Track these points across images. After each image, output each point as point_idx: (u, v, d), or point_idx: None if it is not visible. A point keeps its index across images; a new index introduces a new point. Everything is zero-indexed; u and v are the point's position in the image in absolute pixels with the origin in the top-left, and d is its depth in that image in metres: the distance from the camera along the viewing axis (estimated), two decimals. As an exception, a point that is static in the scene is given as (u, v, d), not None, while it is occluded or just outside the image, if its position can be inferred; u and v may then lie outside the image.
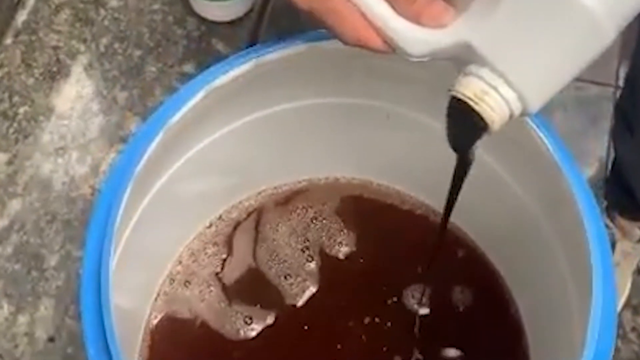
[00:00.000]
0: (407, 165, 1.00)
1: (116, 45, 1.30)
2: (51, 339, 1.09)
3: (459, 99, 0.63)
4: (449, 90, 0.65)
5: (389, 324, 0.95)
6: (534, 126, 0.77)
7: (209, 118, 0.86)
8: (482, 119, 0.62)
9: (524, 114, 0.63)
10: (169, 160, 0.87)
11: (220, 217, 1.01)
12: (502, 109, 0.62)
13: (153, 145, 0.75)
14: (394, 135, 0.96)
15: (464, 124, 0.65)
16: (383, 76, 0.88)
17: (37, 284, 1.12)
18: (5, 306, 1.10)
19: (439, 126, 0.91)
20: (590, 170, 1.44)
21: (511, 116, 0.63)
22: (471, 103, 0.62)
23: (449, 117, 0.67)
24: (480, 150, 0.85)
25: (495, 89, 0.61)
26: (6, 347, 1.08)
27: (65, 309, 1.10)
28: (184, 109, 0.77)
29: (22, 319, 1.10)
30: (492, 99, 0.62)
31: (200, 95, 0.77)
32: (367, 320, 0.95)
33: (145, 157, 0.74)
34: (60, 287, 1.11)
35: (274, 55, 0.79)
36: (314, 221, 1.02)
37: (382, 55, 0.68)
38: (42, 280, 1.12)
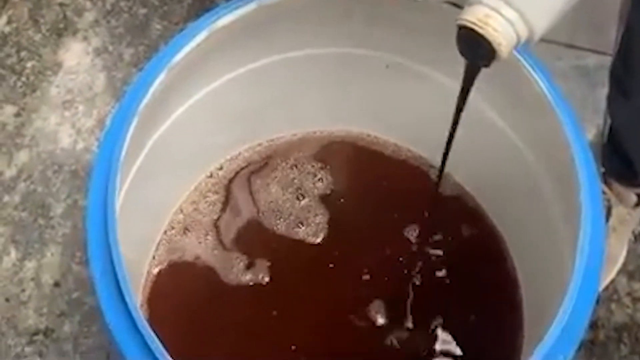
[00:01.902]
0: (404, 117, 1.02)
1: (122, 4, 1.32)
2: (57, 284, 1.11)
3: (466, 27, 0.67)
4: (456, 21, 0.68)
5: (399, 258, 0.98)
6: (529, 67, 0.80)
7: (212, 62, 0.87)
8: (489, 43, 0.66)
9: (531, 38, 0.67)
10: (173, 104, 0.89)
11: (221, 168, 1.04)
12: (506, 30, 0.66)
13: (157, 82, 0.77)
14: (393, 86, 0.98)
15: (474, 52, 0.69)
16: (383, 24, 0.90)
17: (44, 231, 1.14)
18: (13, 252, 1.13)
19: (437, 76, 0.94)
20: (589, 137, 1.45)
21: (518, 40, 0.66)
22: (476, 28, 0.66)
23: (459, 49, 0.70)
24: (478, 98, 0.88)
25: (497, 10, 0.65)
26: (13, 291, 1.10)
27: (71, 256, 1.12)
28: (187, 48, 0.79)
29: (29, 264, 1.12)
30: (496, 21, 0.65)
31: (203, 34, 0.80)
32: (378, 254, 0.98)
33: (150, 93, 0.76)
34: (66, 235, 1.14)
35: (277, -3, 0.81)
36: (296, 167, 1.04)
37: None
38: (49, 227, 1.14)
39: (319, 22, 0.90)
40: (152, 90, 0.77)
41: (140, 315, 0.65)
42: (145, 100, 0.76)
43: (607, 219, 1.26)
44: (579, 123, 0.80)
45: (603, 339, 1.15)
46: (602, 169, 1.26)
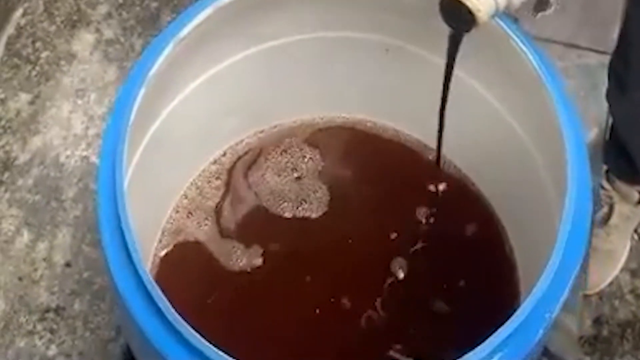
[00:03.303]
0: (404, 102, 1.04)
1: (134, -4, 1.37)
2: (68, 264, 1.14)
3: None
4: None
5: (399, 233, 1.01)
6: (519, 42, 0.82)
7: (218, 42, 0.90)
8: (468, 10, 0.71)
9: (509, 5, 0.72)
10: (179, 83, 0.91)
11: (224, 154, 1.06)
12: None
13: (164, 55, 0.80)
14: (393, 71, 1.00)
15: (455, 19, 0.74)
16: (385, 7, 0.92)
17: (56, 213, 1.17)
18: (26, 234, 1.16)
19: (437, 61, 0.96)
20: (591, 135, 1.46)
21: (497, 7, 0.72)
22: None
23: (442, 17, 0.76)
24: (469, 75, 0.91)
25: None
26: (26, 271, 1.14)
27: (82, 237, 1.16)
28: (193, 24, 0.82)
29: (42, 245, 1.15)
30: None
31: (208, 11, 0.82)
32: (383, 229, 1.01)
33: (157, 64, 0.79)
34: (78, 217, 1.17)
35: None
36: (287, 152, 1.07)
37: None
38: (61, 210, 1.18)
39: (321, 6, 0.93)
40: (159, 62, 0.79)
41: (151, 279, 0.67)
42: (152, 71, 0.78)
43: (610, 217, 1.27)
44: (568, 96, 0.82)
45: (607, 335, 1.17)
46: (605, 167, 1.27)
